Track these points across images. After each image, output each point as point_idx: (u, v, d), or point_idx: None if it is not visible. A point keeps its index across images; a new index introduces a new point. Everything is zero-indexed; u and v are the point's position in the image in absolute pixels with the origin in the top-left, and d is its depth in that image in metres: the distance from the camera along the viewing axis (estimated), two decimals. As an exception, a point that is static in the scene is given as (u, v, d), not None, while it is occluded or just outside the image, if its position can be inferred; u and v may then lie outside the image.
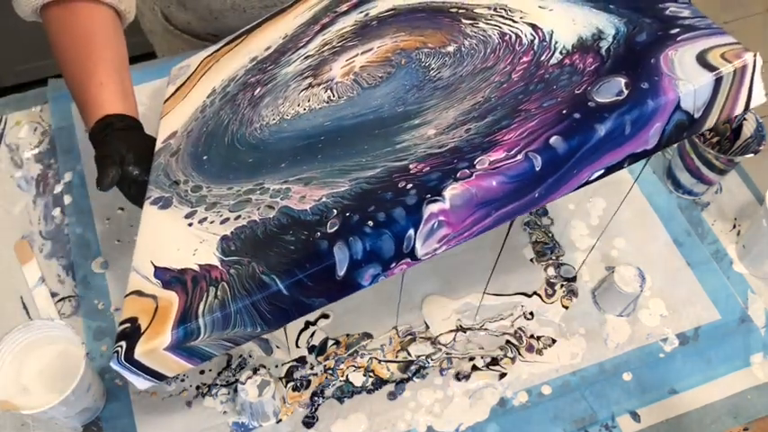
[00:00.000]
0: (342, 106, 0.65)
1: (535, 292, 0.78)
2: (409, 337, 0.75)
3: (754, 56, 0.52)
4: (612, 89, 0.53)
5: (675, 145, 0.84)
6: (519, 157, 0.51)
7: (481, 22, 0.65)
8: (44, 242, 0.81)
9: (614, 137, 0.52)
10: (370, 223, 0.52)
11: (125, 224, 0.82)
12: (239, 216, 0.60)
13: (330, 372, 0.73)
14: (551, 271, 0.80)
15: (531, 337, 0.75)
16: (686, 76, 0.52)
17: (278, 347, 0.74)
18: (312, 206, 0.56)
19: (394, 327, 0.75)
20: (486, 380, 0.72)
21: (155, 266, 0.59)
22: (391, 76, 0.65)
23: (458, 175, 0.52)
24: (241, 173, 0.64)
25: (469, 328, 0.75)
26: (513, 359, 0.74)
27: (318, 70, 0.70)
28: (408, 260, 0.54)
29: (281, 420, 0.70)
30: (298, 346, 0.74)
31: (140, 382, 0.57)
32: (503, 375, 0.73)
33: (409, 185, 0.53)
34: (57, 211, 0.83)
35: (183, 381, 0.72)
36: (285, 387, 0.72)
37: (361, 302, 0.76)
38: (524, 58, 0.59)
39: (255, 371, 0.68)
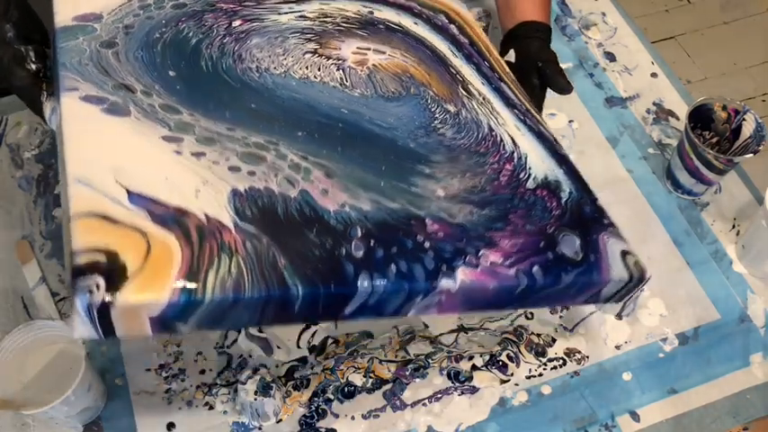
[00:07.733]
0: (357, 100, 0.63)
1: (535, 292, 0.78)
2: (409, 335, 0.75)
3: (649, 277, 0.62)
4: (572, 246, 0.59)
5: (675, 145, 0.84)
6: (511, 271, 0.56)
7: (474, 102, 0.69)
8: (45, 242, 0.81)
9: (565, 291, 0.58)
10: (394, 269, 0.52)
11: (125, 224, 0.82)
12: (254, 173, 0.52)
13: (330, 372, 0.73)
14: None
15: (532, 334, 0.75)
16: (615, 265, 0.60)
17: (278, 347, 0.74)
18: (336, 210, 0.54)
19: (394, 326, 0.75)
20: (486, 380, 0.73)
21: (126, 189, 0.47)
22: (402, 99, 0.66)
23: (467, 259, 0.55)
24: (242, 116, 0.57)
25: (471, 328, 0.75)
26: (512, 358, 0.74)
27: (323, 40, 0.66)
28: (395, 316, 0.55)
29: (281, 420, 0.70)
30: (299, 347, 0.74)
31: (82, 329, 0.43)
32: (504, 380, 0.73)
33: (427, 244, 0.55)
34: (57, 211, 0.83)
35: (183, 380, 0.72)
36: (285, 387, 0.72)
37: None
38: (507, 166, 0.64)
39: (255, 371, 0.68)
